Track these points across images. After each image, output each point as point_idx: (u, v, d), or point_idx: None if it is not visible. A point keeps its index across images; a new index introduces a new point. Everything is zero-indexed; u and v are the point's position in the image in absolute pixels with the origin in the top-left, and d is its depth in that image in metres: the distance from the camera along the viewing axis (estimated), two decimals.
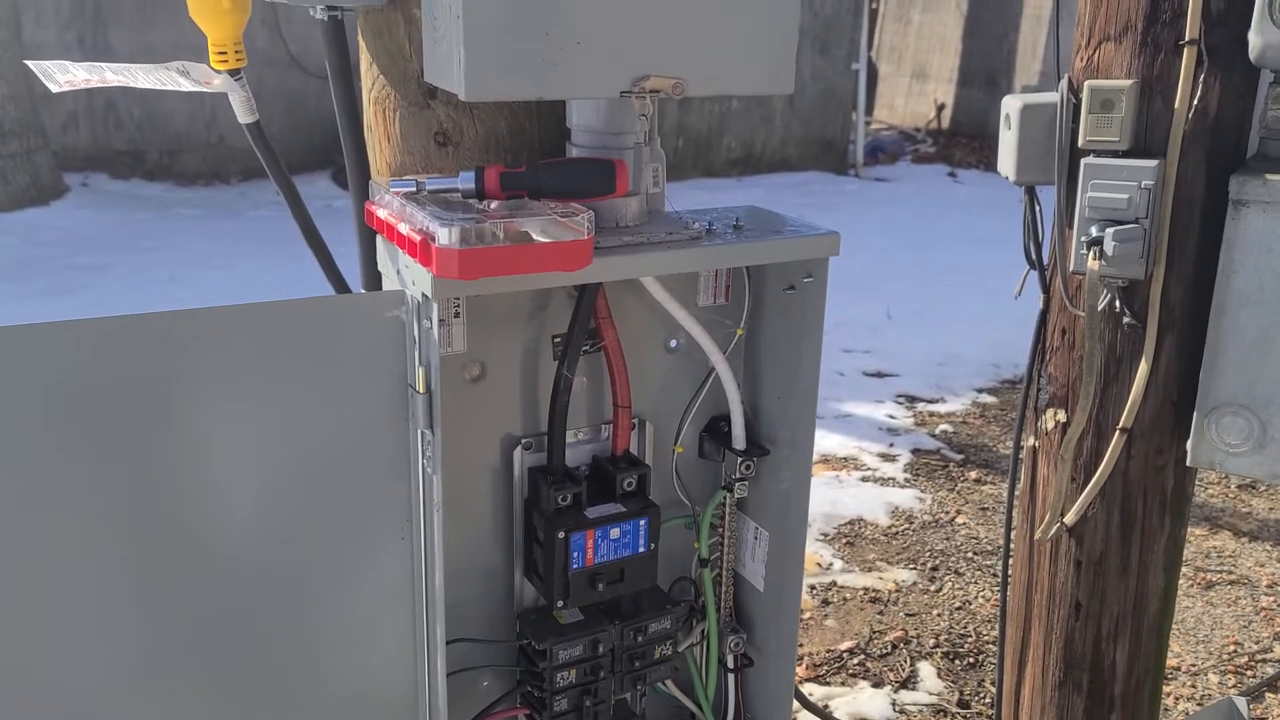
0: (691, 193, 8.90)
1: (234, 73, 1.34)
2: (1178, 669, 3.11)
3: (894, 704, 2.94)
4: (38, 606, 1.19)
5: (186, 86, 1.32)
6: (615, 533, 1.49)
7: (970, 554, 3.72)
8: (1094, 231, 1.71)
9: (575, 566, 1.47)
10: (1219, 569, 3.64)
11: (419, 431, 1.29)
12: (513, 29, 1.16)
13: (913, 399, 5.14)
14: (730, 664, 1.71)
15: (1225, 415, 1.71)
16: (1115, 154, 1.73)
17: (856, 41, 10.58)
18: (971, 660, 3.13)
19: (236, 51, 1.32)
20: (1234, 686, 3.04)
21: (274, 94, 8.72)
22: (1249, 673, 3.09)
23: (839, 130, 10.73)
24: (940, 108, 12.30)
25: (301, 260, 1.51)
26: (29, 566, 1.17)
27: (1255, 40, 1.58)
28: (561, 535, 1.45)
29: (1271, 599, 3.46)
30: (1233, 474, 2.06)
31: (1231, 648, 3.21)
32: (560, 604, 1.49)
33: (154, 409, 1.19)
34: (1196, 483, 2.02)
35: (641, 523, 1.51)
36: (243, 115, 1.38)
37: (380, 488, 1.33)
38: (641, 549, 1.52)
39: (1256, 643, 3.23)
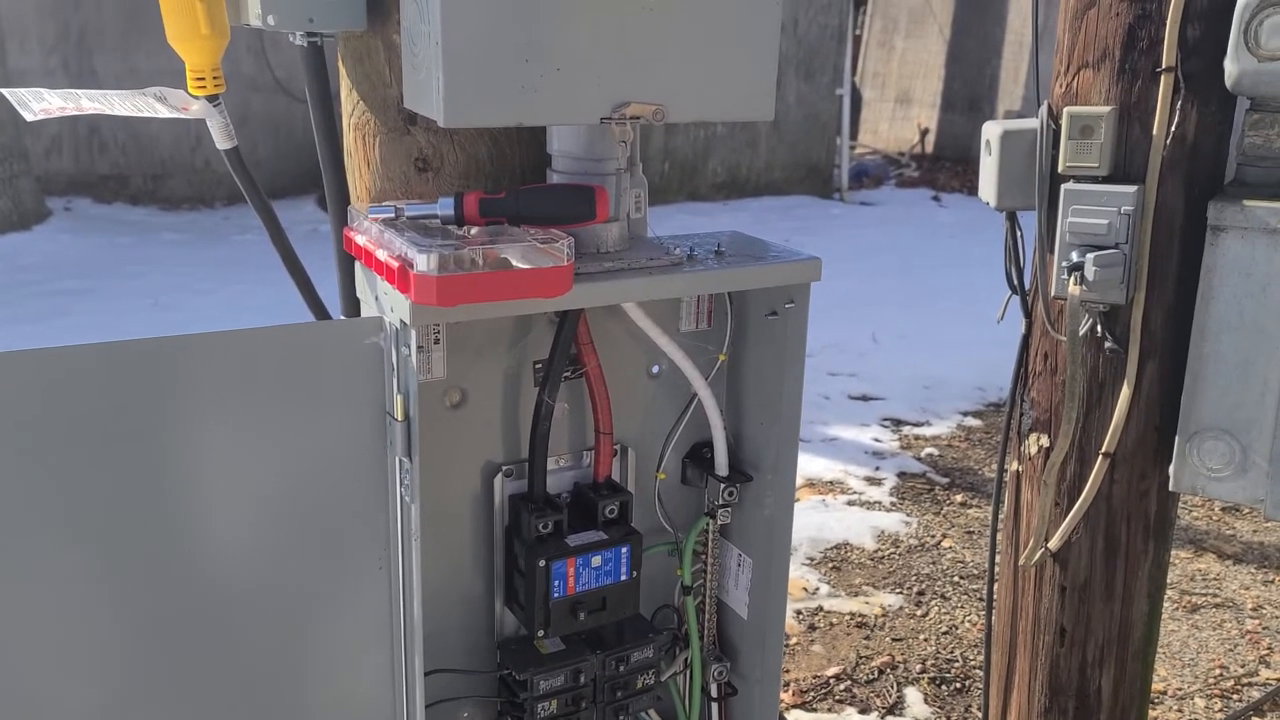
0: (678, 217, 8.92)
1: (212, 98, 1.33)
2: (1164, 693, 3.10)
3: None
4: (17, 635, 1.17)
5: (164, 112, 1.31)
6: (597, 561, 1.48)
7: (956, 578, 3.71)
8: (1075, 256, 1.72)
9: (556, 595, 1.46)
10: (1204, 592, 3.64)
11: (397, 459, 1.28)
12: (492, 55, 1.16)
13: (898, 422, 5.15)
14: (714, 693, 1.70)
15: (1207, 440, 1.71)
16: (1095, 179, 1.73)
17: (840, 67, 10.65)
18: (958, 686, 3.11)
19: (215, 77, 1.32)
20: (1220, 711, 3.03)
21: (260, 119, 8.72)
22: (1235, 696, 3.09)
23: (824, 155, 10.79)
24: (924, 133, 12.39)
25: (289, 285, 1.50)
26: (6, 593, 1.15)
27: (1231, 68, 1.59)
28: (542, 563, 1.44)
29: (1257, 622, 3.45)
30: (1215, 499, 2.06)
31: (1218, 671, 3.20)
32: (541, 633, 1.47)
33: (133, 435, 1.18)
34: (1180, 506, 2.02)
35: (623, 550, 1.49)
36: (221, 141, 1.37)
37: (359, 516, 1.32)
38: (623, 577, 1.50)
39: (1242, 666, 3.23)
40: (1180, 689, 3.12)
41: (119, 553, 1.20)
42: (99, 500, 1.17)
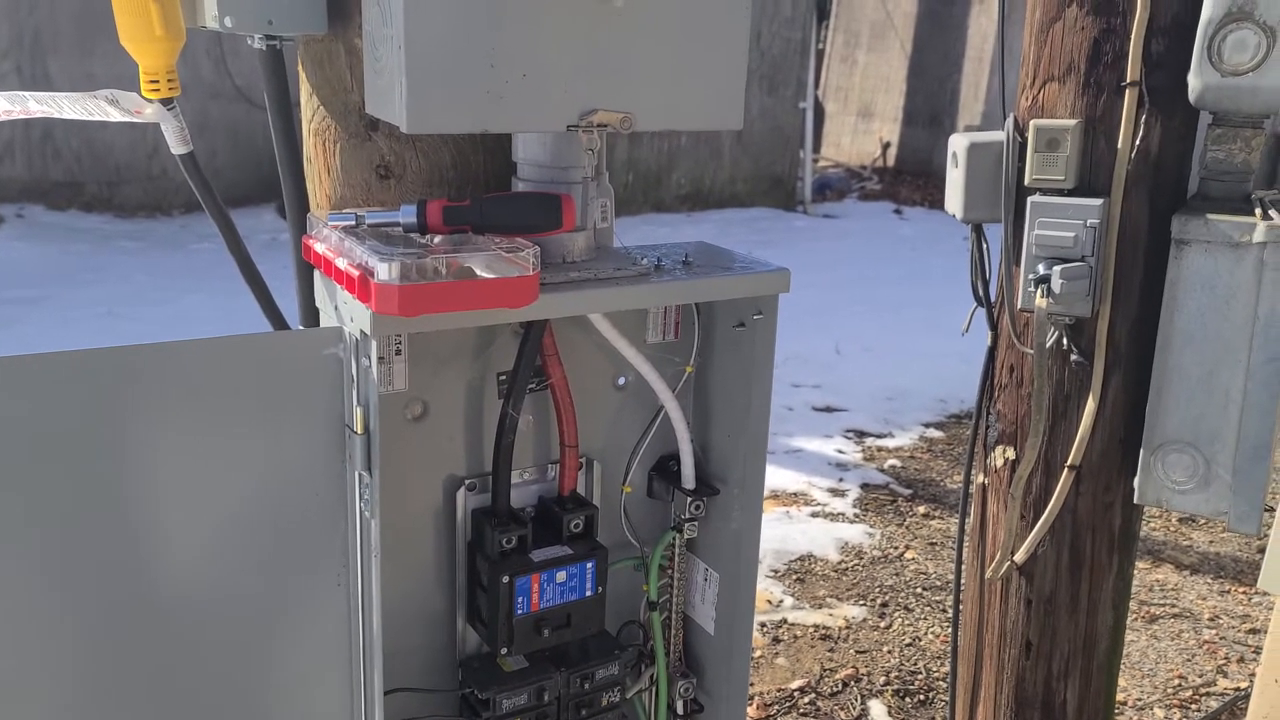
0: (642, 228, 8.92)
1: (167, 102, 1.29)
2: (1124, 704, 3.12)
3: None
4: None
5: (115, 116, 1.27)
6: (561, 576, 1.45)
7: (919, 589, 3.72)
8: (1041, 269, 1.72)
9: (520, 612, 1.43)
10: (1162, 602, 3.67)
11: (357, 474, 1.25)
12: (456, 60, 1.13)
13: (861, 434, 5.16)
14: (680, 710, 1.67)
15: (1171, 452, 1.71)
16: (1061, 192, 1.74)
17: (804, 81, 10.74)
18: (922, 698, 3.11)
19: (169, 80, 1.28)
20: None
21: (220, 127, 8.60)
22: (1194, 706, 3.11)
23: (787, 167, 10.85)
24: (885, 146, 12.50)
25: (246, 295, 1.46)
26: None
27: (1194, 82, 1.60)
28: (506, 579, 1.41)
29: (1214, 632, 3.49)
30: (1179, 511, 2.07)
31: (1176, 681, 3.23)
32: (504, 651, 1.44)
33: (86, 447, 1.14)
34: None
35: (589, 565, 1.47)
36: (176, 146, 1.33)
37: (317, 532, 1.28)
38: (589, 593, 1.48)
39: (1200, 676, 3.25)
40: (1140, 699, 3.14)
41: (72, 565, 1.16)
42: (51, 512, 1.13)
